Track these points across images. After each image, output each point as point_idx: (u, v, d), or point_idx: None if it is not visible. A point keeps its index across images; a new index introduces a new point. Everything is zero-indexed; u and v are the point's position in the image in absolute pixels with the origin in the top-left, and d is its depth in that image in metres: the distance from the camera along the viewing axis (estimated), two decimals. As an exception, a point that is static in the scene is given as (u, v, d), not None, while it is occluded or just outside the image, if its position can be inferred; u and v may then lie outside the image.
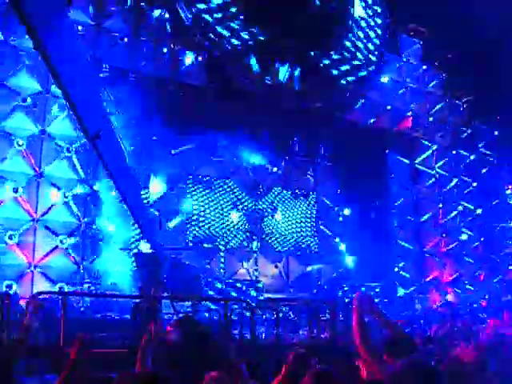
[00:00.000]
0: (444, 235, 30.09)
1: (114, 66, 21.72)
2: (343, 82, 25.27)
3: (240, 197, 25.48)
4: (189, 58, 23.19)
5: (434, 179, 30.71)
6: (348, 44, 25.71)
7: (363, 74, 26.14)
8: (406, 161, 30.14)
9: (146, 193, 22.36)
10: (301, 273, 26.17)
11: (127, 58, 22.11)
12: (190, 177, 24.35)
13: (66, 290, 19.31)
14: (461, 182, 31.35)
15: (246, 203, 25.58)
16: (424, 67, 30.81)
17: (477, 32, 25.38)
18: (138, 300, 15.41)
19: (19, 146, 19.98)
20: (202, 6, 22.39)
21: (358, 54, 26.08)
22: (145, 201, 21.38)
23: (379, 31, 27.01)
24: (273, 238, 25.94)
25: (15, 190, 19.82)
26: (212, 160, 24.62)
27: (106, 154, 7.78)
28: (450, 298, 28.11)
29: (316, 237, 27.10)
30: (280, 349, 12.76)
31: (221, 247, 24.41)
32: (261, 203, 25.91)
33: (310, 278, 25.97)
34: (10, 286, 18.86)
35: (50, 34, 5.16)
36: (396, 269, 28.12)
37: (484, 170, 32.28)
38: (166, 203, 23.13)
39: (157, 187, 22.77)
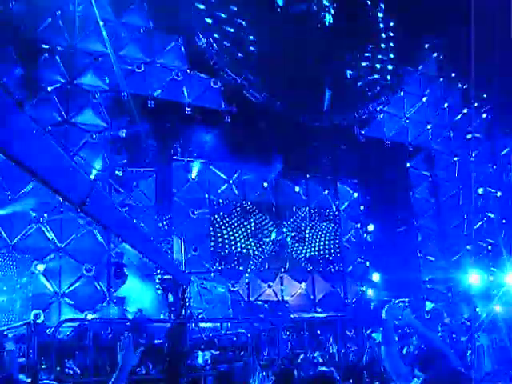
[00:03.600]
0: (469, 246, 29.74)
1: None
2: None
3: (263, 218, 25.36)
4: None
5: (456, 190, 30.44)
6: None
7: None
8: (427, 173, 29.92)
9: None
10: (328, 291, 25.96)
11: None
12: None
13: (92, 317, 19.40)
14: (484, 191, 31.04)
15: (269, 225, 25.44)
16: (441, 79, 30.71)
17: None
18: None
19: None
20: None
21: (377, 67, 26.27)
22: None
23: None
24: (299, 258, 25.71)
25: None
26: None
27: (100, 216, 7.85)
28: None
29: (340, 254, 26.83)
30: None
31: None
32: (286, 224, 25.74)
33: (336, 297, 25.78)
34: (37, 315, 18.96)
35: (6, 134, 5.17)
36: (425, 284, 27.81)
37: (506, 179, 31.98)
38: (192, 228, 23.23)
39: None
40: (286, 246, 25.23)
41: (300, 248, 25.76)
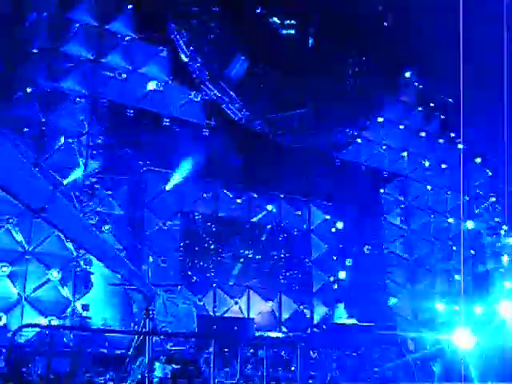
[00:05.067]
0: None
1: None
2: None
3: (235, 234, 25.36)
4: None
5: (428, 218, 30.77)
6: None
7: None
8: (401, 198, 30.20)
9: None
10: (293, 311, 25.97)
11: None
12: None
13: (56, 323, 19.25)
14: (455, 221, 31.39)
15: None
16: (420, 108, 31.14)
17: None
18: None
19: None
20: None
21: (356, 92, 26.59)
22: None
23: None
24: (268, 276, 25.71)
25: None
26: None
27: (58, 222, 7.82)
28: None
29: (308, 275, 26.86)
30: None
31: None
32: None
33: (302, 317, 25.80)
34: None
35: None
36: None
37: (477, 211, 32.39)
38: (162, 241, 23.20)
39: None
40: (253, 263, 25.28)
41: (270, 266, 25.77)
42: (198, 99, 24.13)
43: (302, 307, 26.03)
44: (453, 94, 29.31)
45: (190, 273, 23.57)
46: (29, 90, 20.53)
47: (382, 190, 29.46)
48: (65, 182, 20.66)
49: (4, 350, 13.64)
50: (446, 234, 31.11)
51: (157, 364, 14.49)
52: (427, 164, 31.08)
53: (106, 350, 17.42)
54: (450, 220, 31.18)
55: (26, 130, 19.55)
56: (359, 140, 28.09)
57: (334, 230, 27.44)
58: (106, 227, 20.98)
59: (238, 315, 23.88)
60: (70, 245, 20.64)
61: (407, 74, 30.49)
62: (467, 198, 32.08)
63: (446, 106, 31.27)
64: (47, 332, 15.38)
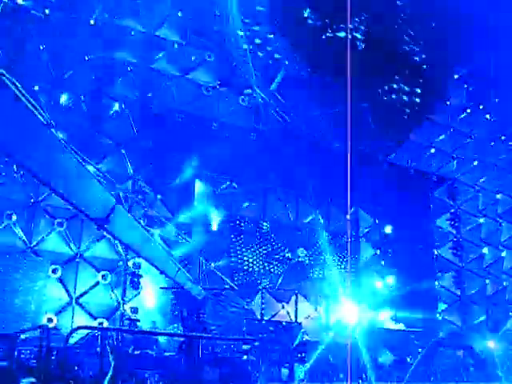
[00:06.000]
0: (487, 280, 29.49)
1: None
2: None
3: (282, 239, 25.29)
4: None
5: (478, 223, 30.20)
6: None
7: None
8: (451, 202, 29.67)
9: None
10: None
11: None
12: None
13: (106, 325, 19.48)
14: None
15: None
16: (468, 110, 30.59)
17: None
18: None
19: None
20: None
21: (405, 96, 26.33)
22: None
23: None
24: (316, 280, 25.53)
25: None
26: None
27: (120, 233, 7.87)
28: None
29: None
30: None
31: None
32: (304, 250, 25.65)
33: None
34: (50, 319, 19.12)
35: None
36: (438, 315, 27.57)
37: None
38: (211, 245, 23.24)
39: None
40: (303, 268, 25.17)
41: (317, 271, 25.61)
42: (246, 103, 24.11)
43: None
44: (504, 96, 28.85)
45: (238, 277, 23.57)
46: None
47: (431, 194, 28.95)
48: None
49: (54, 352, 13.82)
50: (497, 238, 30.47)
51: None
52: (477, 167, 30.40)
53: (154, 353, 17.47)
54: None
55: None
56: (407, 144, 27.67)
57: (382, 234, 27.22)
58: (157, 231, 21.07)
59: (285, 319, 23.72)
60: (119, 248, 20.86)
61: (456, 76, 29.95)
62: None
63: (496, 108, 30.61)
64: (97, 334, 15.50)
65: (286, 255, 24.96)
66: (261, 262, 24.36)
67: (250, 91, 23.64)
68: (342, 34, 24.77)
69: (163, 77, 22.84)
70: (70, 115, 20.31)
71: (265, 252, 24.57)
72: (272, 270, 24.58)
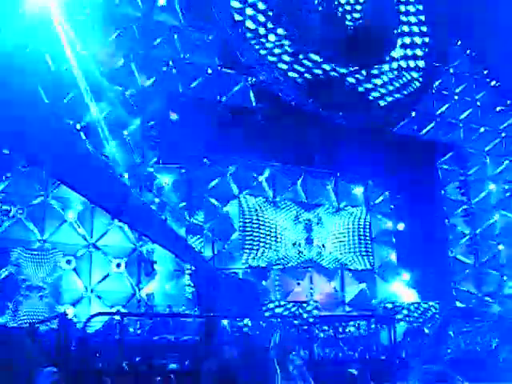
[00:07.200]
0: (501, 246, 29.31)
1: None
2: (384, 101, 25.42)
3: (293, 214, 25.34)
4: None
5: (487, 190, 29.99)
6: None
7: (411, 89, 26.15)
8: (460, 171, 29.49)
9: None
10: (357, 291, 25.78)
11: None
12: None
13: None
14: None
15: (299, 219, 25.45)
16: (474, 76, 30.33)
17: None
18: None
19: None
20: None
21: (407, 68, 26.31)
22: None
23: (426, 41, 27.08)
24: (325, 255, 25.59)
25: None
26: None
27: (136, 221, 7.84)
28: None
29: (369, 252, 26.56)
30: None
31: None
32: (311, 216, 25.71)
33: (365, 296, 25.60)
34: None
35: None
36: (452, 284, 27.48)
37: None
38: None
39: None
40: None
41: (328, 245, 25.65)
42: (248, 84, 23.90)
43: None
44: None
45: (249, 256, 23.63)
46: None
47: (438, 163, 28.75)
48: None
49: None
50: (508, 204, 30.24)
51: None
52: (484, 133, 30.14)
53: (172, 337, 17.52)
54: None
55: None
56: (413, 114, 27.49)
57: (392, 206, 27.28)
58: (167, 216, 21.05)
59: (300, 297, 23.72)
60: (131, 234, 20.88)
61: (458, 43, 29.68)
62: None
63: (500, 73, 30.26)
64: (115, 321, 15.52)
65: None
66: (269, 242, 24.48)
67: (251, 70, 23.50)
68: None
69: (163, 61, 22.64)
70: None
71: (274, 229, 24.68)
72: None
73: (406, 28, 26.76)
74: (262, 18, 23.26)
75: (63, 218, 20.40)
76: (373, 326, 17.70)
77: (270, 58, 23.30)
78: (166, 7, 22.71)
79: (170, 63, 22.61)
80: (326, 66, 24.20)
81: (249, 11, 23.08)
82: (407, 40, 26.62)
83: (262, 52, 23.20)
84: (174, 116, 21.73)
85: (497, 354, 17.19)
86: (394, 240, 27.09)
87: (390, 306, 22.73)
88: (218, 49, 23.54)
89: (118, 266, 20.80)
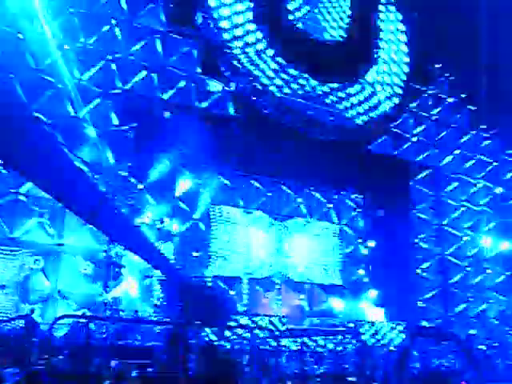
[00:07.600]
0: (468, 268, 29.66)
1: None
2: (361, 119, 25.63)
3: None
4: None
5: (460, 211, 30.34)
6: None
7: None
8: (431, 192, 29.78)
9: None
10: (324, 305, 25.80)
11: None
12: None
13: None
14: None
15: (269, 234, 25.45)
16: (450, 100, 30.71)
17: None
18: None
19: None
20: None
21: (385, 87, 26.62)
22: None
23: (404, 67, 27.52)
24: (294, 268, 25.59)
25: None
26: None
27: (109, 227, 7.81)
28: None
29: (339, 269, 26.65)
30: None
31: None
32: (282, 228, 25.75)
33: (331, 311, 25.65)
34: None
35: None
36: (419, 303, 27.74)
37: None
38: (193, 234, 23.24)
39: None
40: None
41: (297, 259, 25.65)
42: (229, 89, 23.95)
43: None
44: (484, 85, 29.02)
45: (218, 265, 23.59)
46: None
47: (411, 183, 29.04)
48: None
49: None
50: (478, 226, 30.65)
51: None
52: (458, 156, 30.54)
53: (137, 343, 17.44)
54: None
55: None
56: (388, 133, 27.80)
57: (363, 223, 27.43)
58: (141, 221, 20.93)
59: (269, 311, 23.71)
60: (101, 238, 20.68)
61: (437, 66, 30.07)
62: (501, 190, 31.59)
63: (476, 98, 30.77)
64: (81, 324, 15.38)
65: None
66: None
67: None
68: None
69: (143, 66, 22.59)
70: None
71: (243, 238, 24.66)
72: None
73: (385, 45, 27.16)
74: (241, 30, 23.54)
75: (33, 217, 20.16)
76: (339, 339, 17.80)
77: (251, 69, 23.48)
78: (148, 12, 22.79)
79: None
80: (302, 81, 24.47)
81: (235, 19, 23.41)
82: (386, 58, 27.01)
83: (244, 61, 23.37)
84: (166, 114, 21.72)
85: (461, 374, 17.33)
86: (364, 256, 27.18)
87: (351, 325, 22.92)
88: (199, 56, 23.57)
89: (87, 268, 20.58)
